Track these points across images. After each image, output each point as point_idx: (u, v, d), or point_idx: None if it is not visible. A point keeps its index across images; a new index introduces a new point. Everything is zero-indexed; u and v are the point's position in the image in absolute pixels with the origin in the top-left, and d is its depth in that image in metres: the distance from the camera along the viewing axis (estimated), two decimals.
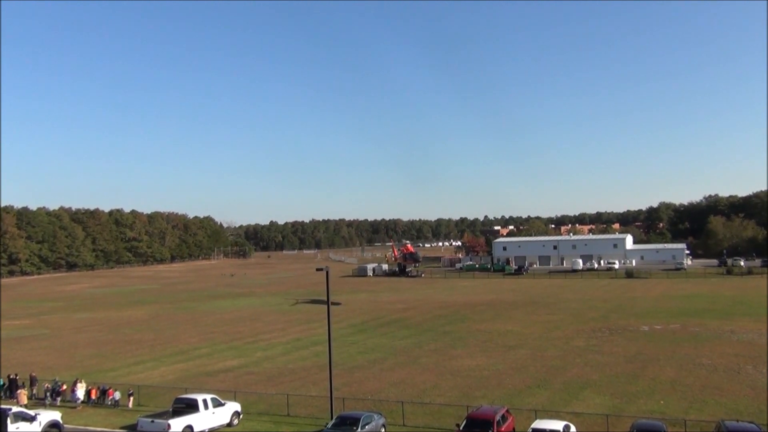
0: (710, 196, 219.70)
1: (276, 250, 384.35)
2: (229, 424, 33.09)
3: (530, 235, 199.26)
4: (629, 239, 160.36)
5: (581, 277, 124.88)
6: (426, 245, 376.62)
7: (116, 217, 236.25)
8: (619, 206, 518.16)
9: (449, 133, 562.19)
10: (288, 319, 77.10)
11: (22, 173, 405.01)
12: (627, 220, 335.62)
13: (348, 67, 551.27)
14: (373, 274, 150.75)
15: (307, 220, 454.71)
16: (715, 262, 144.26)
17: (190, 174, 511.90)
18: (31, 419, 31.40)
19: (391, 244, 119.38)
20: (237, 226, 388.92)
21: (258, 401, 37.53)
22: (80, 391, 38.53)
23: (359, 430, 28.53)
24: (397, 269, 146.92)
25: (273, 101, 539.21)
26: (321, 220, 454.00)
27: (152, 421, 30.76)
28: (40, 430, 31.49)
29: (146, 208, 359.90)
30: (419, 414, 33.62)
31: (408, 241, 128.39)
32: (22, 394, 38.56)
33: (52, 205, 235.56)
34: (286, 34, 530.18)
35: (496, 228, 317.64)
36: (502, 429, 27.99)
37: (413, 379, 42.37)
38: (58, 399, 38.93)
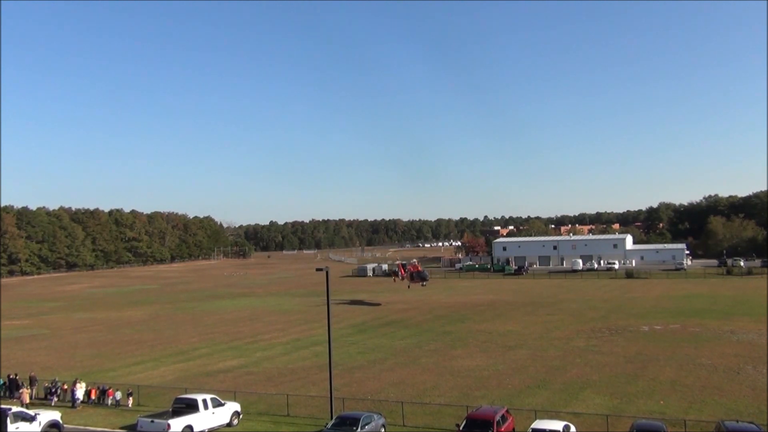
0: (710, 196, 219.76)
1: (276, 250, 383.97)
2: (229, 424, 33.09)
3: (530, 236, 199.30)
4: (629, 239, 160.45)
5: (581, 278, 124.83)
6: (426, 245, 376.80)
7: (116, 217, 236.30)
8: (619, 206, 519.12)
9: (449, 133, 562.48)
10: (288, 319, 77.12)
11: (22, 173, 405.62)
12: (627, 220, 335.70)
13: (348, 66, 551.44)
14: (373, 275, 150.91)
15: (307, 220, 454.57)
16: (715, 262, 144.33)
17: (190, 174, 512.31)
18: (31, 419, 31.40)
19: (398, 263, 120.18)
20: (237, 226, 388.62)
21: (258, 401, 37.54)
22: (80, 391, 38.53)
23: (359, 430, 28.54)
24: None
25: (273, 101, 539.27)
26: (321, 220, 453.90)
27: (152, 421, 30.80)
28: (39, 430, 31.49)
29: (146, 208, 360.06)
30: (419, 414, 33.62)
31: (416, 260, 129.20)
32: (25, 394, 38.56)
33: (52, 205, 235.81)
34: (287, 34, 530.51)
35: (496, 228, 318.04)
36: (502, 429, 28.00)
37: (413, 379, 42.37)
38: (54, 399, 38.83)
